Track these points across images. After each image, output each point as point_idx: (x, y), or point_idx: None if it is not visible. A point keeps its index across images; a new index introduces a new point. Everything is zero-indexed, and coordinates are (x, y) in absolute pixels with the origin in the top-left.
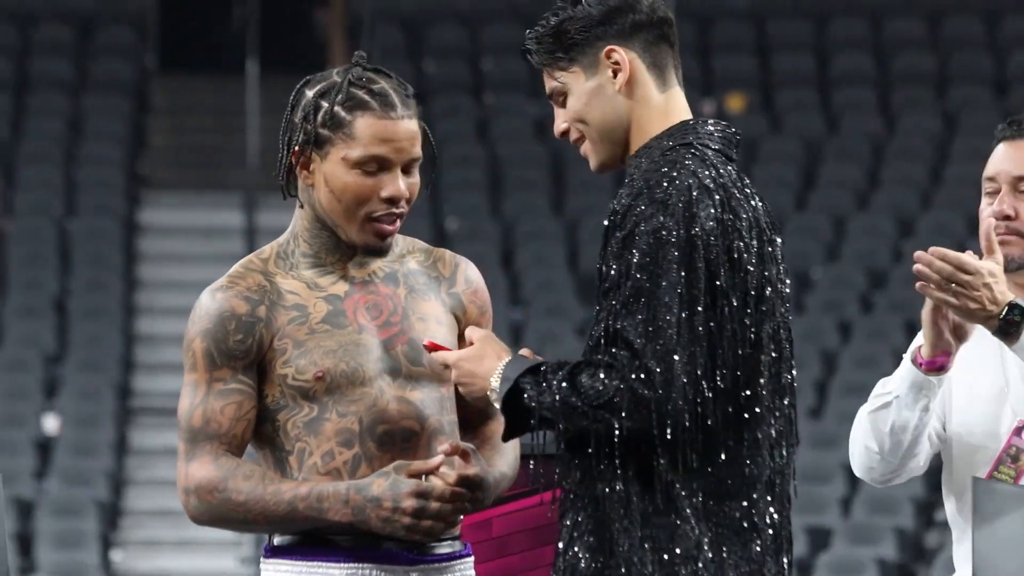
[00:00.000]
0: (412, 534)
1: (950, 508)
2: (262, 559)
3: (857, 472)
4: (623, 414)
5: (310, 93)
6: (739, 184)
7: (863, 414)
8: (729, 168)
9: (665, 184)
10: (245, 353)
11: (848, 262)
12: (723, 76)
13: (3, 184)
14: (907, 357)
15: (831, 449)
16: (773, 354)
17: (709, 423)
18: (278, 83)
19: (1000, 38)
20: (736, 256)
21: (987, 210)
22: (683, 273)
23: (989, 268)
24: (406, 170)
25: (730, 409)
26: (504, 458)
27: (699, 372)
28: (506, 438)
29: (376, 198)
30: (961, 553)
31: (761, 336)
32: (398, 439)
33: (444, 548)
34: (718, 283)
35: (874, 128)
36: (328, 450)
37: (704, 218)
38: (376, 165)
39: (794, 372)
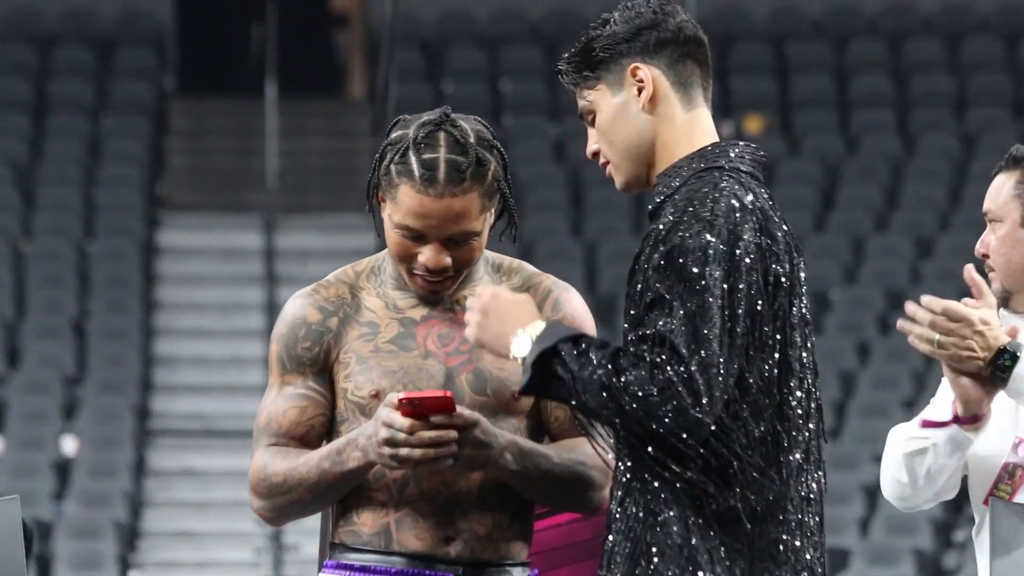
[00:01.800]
0: (404, 465)
1: (974, 528)
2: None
3: (888, 498)
4: (660, 412)
5: (391, 136)
6: (773, 206)
7: (897, 453)
8: (762, 190)
9: (710, 204)
10: (313, 361)
11: (866, 283)
12: (742, 97)
13: (23, 206)
14: (943, 398)
15: (849, 470)
16: (800, 377)
17: (734, 442)
18: (297, 104)
19: (1018, 59)
20: (773, 280)
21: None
22: (727, 292)
23: (980, 315)
24: (451, 242)
25: (758, 430)
26: (571, 451)
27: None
28: (523, 393)
29: (417, 261)
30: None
31: (790, 360)
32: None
33: (498, 574)
34: (758, 306)
35: (893, 149)
36: (379, 466)
37: (748, 240)
38: (412, 235)
39: (819, 396)
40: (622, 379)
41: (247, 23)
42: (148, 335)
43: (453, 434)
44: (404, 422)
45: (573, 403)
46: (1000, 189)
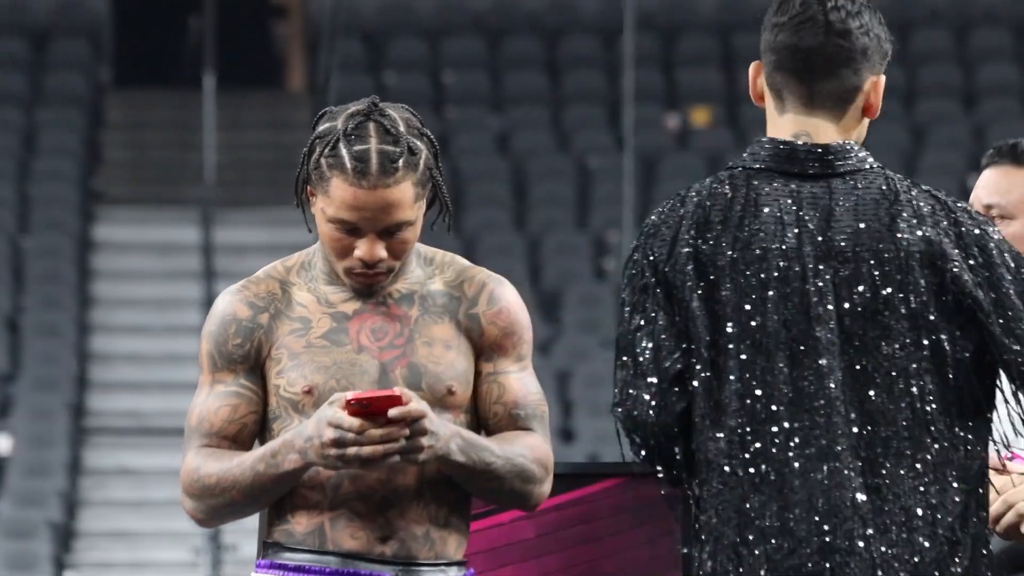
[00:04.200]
0: (350, 466)
1: None
2: (252, 574)
3: None
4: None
5: (318, 129)
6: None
7: None
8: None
9: None
10: (244, 358)
11: None
12: (688, 89)
13: None
14: None
15: None
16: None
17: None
18: (235, 97)
19: (968, 51)
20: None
21: None
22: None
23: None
24: (386, 233)
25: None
26: (511, 444)
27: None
28: None
29: (352, 255)
30: None
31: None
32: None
33: (434, 574)
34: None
35: None
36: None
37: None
38: (347, 227)
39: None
40: None
41: (184, 14)
42: (83, 331)
43: (404, 431)
44: (353, 422)
45: None
46: (1010, 184)
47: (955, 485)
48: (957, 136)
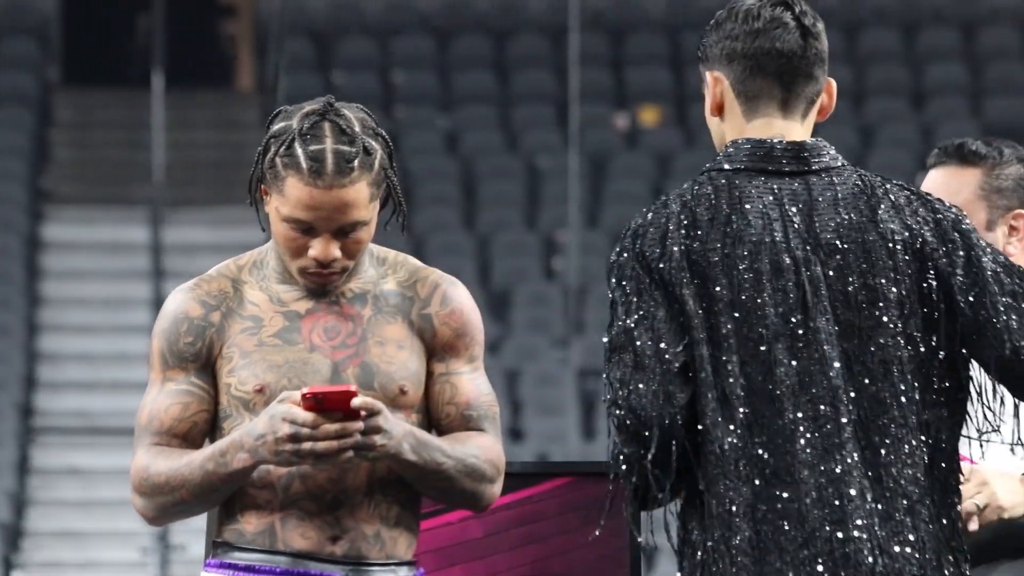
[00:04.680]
0: (303, 462)
1: None
2: (202, 574)
3: None
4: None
5: (273, 128)
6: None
7: None
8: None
9: None
10: (196, 356)
11: None
12: (637, 89)
13: None
14: None
15: None
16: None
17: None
18: (184, 96)
19: (917, 51)
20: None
21: None
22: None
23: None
24: (340, 233)
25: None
26: (463, 444)
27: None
28: None
29: (306, 254)
30: None
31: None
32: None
33: (384, 573)
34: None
35: None
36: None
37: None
38: (301, 227)
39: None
40: None
41: (133, 13)
42: (32, 331)
43: (359, 425)
44: (308, 417)
45: None
46: (959, 185)
47: (941, 468)
48: (905, 136)
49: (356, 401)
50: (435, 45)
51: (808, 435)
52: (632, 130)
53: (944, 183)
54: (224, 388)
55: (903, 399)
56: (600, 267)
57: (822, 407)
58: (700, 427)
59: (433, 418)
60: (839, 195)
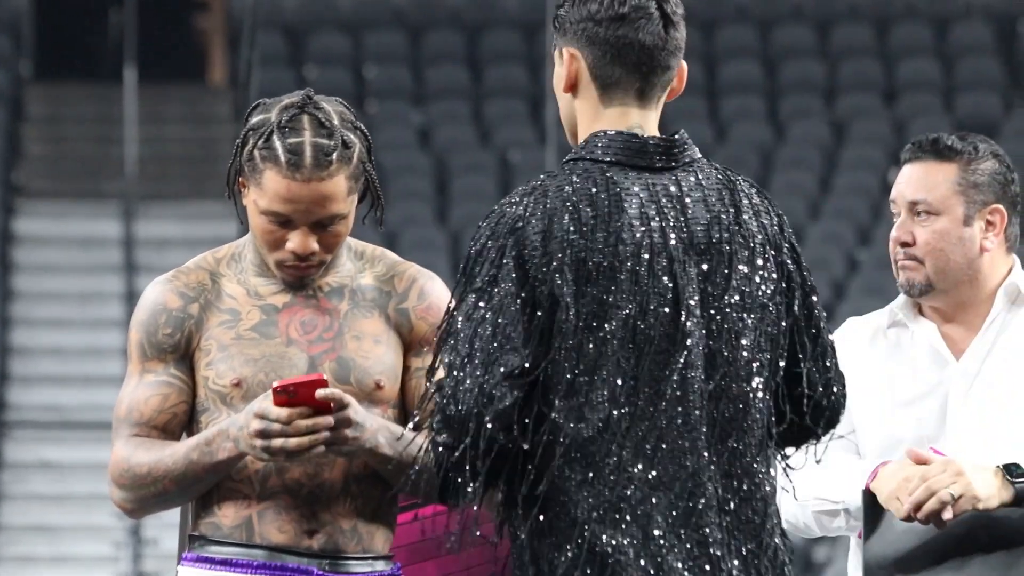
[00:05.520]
0: (275, 458)
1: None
2: (178, 567)
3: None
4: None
5: (251, 121)
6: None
7: (806, 509)
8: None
9: None
10: (174, 347)
11: None
12: None
13: None
14: (842, 462)
15: None
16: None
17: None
18: (156, 90)
19: (889, 46)
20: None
21: (891, 235)
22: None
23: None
24: (318, 226)
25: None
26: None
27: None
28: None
29: (284, 247)
30: (854, 562)
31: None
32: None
33: (361, 567)
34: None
35: (762, 137)
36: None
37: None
38: (279, 220)
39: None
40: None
41: (105, 7)
42: (4, 325)
43: (329, 420)
44: (280, 412)
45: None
46: (935, 180)
47: (771, 473)
48: (878, 131)
49: (321, 392)
50: (408, 40)
51: (666, 439)
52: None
53: (920, 178)
54: (202, 381)
55: (755, 400)
56: None
57: (684, 409)
58: (555, 424)
59: (409, 413)
60: (706, 193)
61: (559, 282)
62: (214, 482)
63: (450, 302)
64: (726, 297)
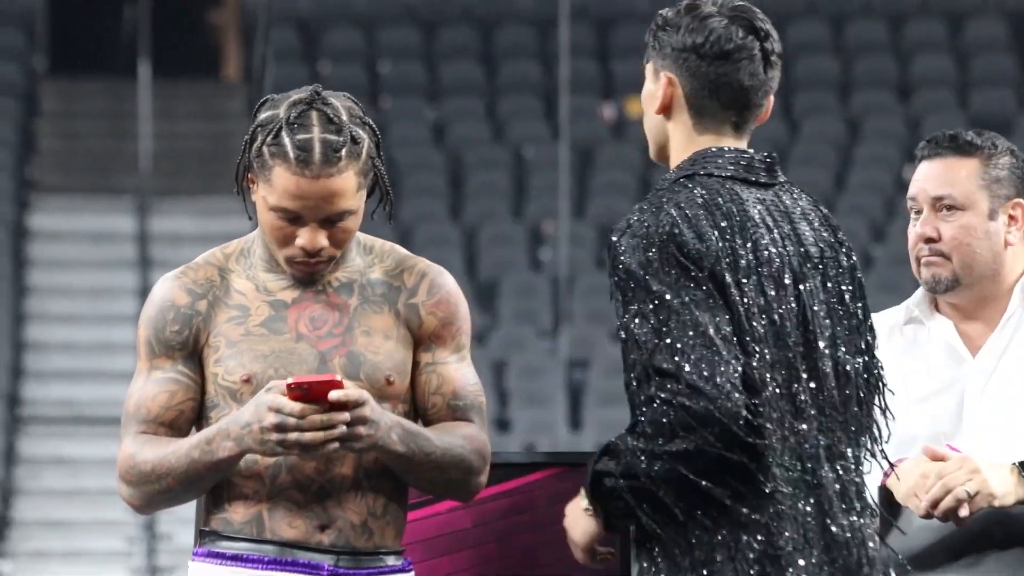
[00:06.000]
0: (289, 452)
1: None
2: (190, 563)
3: None
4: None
5: (260, 117)
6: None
7: None
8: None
9: None
10: (183, 344)
11: None
12: (624, 79)
13: None
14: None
15: None
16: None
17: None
18: (170, 86)
19: (903, 42)
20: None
21: (912, 231)
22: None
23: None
24: (328, 222)
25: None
26: (449, 434)
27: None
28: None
29: (293, 244)
30: None
31: None
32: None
33: (373, 562)
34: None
35: (776, 133)
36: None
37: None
38: (289, 216)
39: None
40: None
41: (119, 2)
42: (18, 320)
43: (345, 416)
44: (295, 406)
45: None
46: (959, 175)
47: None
48: (892, 127)
49: (336, 394)
50: (422, 36)
51: (825, 445)
52: (619, 121)
53: (942, 174)
54: (211, 377)
55: (857, 409)
56: (587, 258)
57: (833, 414)
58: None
59: (419, 408)
60: (804, 210)
61: (729, 280)
62: (217, 480)
63: (623, 318)
64: (836, 309)
